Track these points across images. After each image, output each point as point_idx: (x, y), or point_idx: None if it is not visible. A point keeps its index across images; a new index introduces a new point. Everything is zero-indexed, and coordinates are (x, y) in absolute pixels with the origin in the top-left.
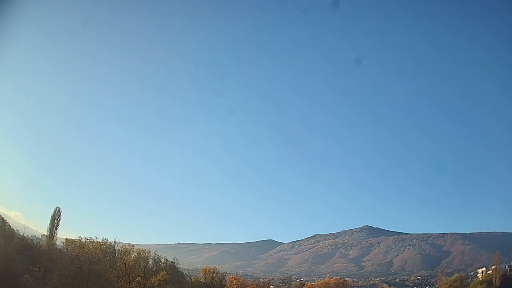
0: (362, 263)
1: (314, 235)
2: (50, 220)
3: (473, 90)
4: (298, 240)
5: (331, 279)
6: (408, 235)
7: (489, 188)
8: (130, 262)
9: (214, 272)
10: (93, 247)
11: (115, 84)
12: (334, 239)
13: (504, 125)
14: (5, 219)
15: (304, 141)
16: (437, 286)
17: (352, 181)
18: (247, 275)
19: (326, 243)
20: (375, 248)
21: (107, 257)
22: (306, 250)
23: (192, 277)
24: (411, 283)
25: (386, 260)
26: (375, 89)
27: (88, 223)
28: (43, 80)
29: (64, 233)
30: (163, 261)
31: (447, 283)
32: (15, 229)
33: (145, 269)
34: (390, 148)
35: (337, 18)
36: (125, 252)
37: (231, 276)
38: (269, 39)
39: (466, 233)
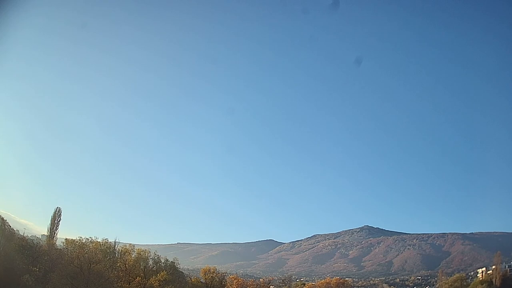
0: (362, 263)
1: (314, 235)
2: (50, 220)
3: (473, 90)
4: (298, 240)
5: (332, 279)
6: (408, 235)
7: (489, 188)
8: (130, 262)
9: (214, 272)
10: (93, 247)
11: (115, 83)
12: (334, 239)
13: (504, 125)
14: (5, 219)
15: (304, 140)
16: (437, 286)
17: (352, 181)
18: (247, 275)
19: (326, 243)
20: (375, 248)
21: (107, 257)
22: (306, 250)
23: (192, 277)
24: (411, 283)
25: (386, 260)
26: (376, 89)
27: (88, 223)
28: (43, 80)
29: (64, 233)
30: (163, 261)
31: (447, 283)
32: (15, 229)
33: (145, 269)
34: (390, 148)
35: (337, 17)
36: (125, 252)
37: (231, 276)
38: (268, 37)
39: (466, 233)
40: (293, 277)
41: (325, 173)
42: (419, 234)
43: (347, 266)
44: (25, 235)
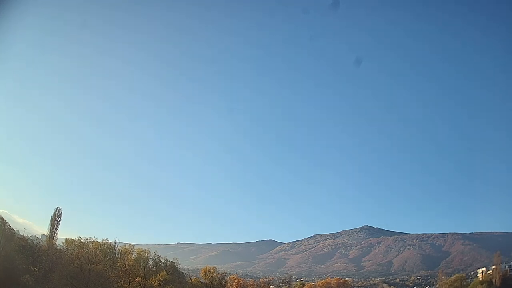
0: (362, 263)
1: (314, 235)
2: (51, 220)
3: (472, 92)
4: (298, 240)
5: (332, 279)
6: (408, 235)
7: (489, 188)
8: (130, 262)
9: (214, 272)
10: (93, 247)
11: (114, 84)
12: (334, 239)
13: (503, 126)
14: (5, 219)
15: (304, 141)
16: (437, 286)
17: (352, 181)
18: (247, 275)
19: (326, 243)
20: (375, 248)
21: (107, 257)
22: (306, 250)
23: (192, 277)
24: (411, 283)
25: (386, 260)
26: (376, 90)
27: (88, 223)
28: (43, 80)
29: (64, 233)
30: (163, 261)
31: (447, 283)
32: (15, 229)
33: (145, 269)
34: (390, 149)
35: (337, 18)
36: (125, 252)
37: (231, 276)
38: (268, 38)
39: (466, 233)
40: (293, 277)
41: (325, 173)
42: (419, 234)
43: (347, 266)
44: (25, 235)
